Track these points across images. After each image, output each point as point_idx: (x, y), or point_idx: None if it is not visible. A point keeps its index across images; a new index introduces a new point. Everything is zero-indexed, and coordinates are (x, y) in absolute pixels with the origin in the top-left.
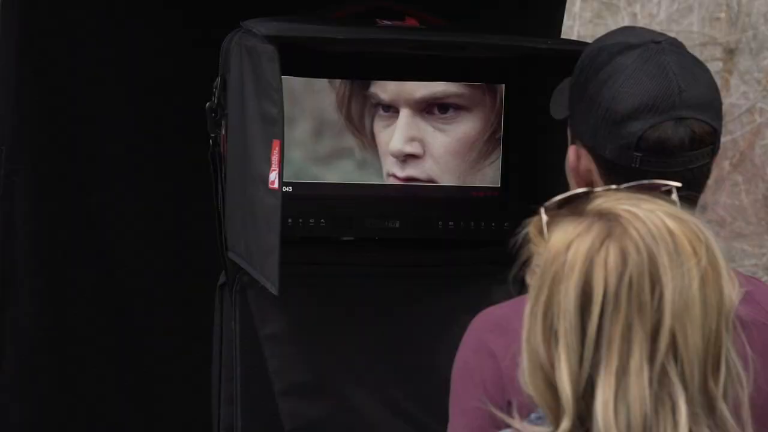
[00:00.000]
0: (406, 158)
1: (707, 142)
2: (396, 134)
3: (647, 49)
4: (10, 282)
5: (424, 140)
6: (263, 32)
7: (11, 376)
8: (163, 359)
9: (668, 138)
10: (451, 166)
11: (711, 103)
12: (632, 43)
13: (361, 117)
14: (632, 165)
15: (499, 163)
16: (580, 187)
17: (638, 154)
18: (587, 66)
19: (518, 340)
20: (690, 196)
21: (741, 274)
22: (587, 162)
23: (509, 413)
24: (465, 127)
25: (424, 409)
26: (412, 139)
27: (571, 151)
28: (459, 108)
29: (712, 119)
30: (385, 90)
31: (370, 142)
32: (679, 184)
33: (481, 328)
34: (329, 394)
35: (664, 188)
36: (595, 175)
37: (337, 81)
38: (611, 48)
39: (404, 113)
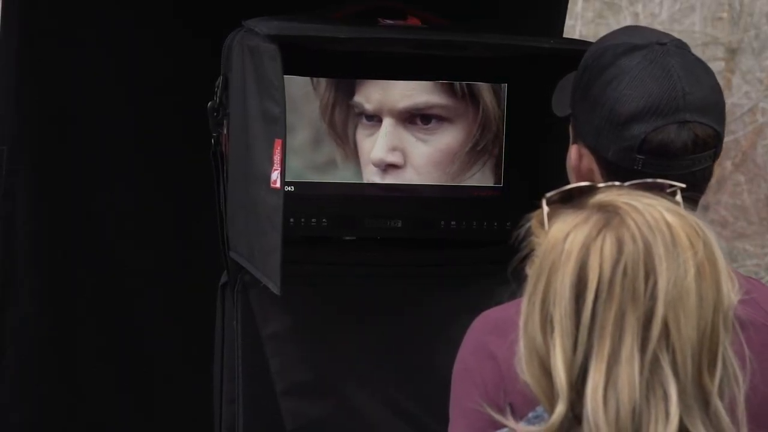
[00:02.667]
0: (386, 167)
1: (710, 145)
2: (378, 143)
3: (652, 50)
4: (10, 282)
5: (406, 150)
6: (265, 31)
7: (11, 376)
8: (163, 359)
9: (671, 141)
10: (432, 177)
11: (714, 106)
12: (637, 44)
13: (344, 126)
14: (634, 167)
15: (480, 175)
16: None
17: (641, 156)
18: (591, 66)
19: (518, 340)
20: (692, 197)
21: (739, 274)
22: (589, 162)
23: (510, 414)
24: (447, 139)
25: (425, 409)
26: (393, 149)
27: (573, 151)
28: (442, 119)
29: (715, 122)
30: (369, 100)
31: (352, 151)
32: (683, 185)
33: (481, 329)
34: (330, 394)
35: (669, 189)
36: (597, 175)
37: (322, 88)
38: (616, 48)
39: (387, 123)
